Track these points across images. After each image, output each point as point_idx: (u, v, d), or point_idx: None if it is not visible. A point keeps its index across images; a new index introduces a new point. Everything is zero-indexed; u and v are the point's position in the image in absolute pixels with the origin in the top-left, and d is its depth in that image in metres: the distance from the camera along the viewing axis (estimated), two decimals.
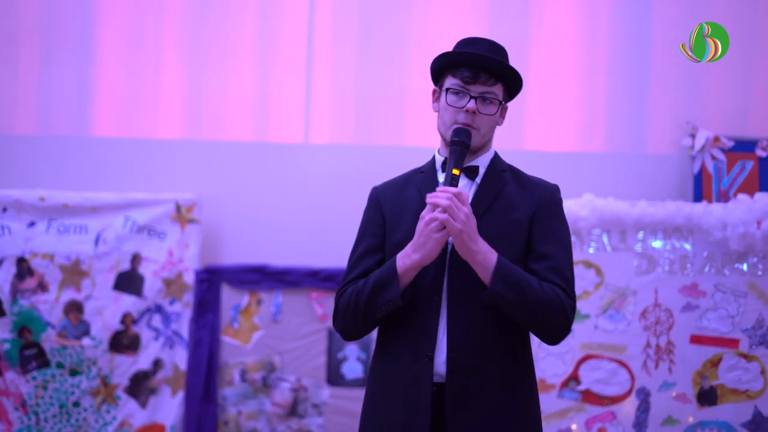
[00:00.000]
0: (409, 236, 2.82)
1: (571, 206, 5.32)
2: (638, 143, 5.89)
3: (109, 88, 5.95)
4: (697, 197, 5.67)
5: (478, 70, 2.87)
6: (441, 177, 2.98)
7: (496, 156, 3.02)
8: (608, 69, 5.95)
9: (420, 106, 5.82)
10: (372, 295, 2.81)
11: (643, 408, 5.36)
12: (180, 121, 5.98)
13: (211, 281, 5.58)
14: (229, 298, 5.62)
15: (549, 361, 5.38)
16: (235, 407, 5.56)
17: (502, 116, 2.99)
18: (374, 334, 3.00)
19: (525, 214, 2.88)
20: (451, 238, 2.77)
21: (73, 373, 5.50)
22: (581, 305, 5.39)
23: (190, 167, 5.84)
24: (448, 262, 2.83)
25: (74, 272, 5.56)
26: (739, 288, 5.37)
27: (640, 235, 5.45)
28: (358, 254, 3.00)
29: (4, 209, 5.55)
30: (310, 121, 5.96)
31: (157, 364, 5.57)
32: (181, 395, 5.55)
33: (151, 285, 5.58)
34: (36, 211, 5.57)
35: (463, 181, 2.92)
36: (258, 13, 5.98)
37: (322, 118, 5.96)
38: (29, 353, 5.48)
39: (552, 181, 3.04)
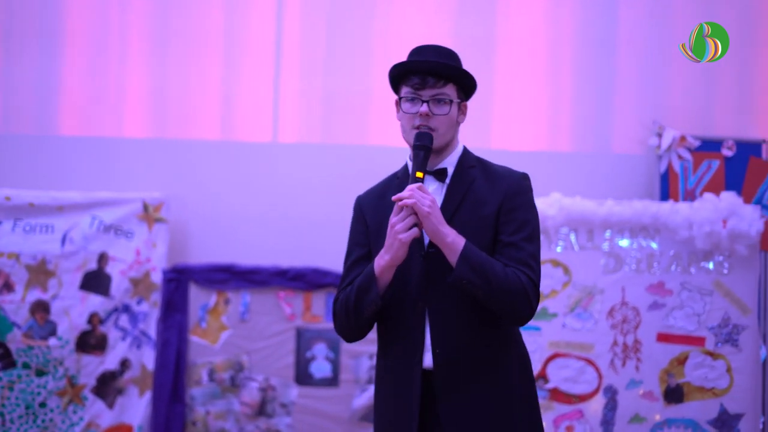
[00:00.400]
0: None
1: (538, 205, 5.25)
2: (605, 143, 5.93)
3: (75, 86, 5.92)
4: (664, 196, 5.70)
5: (425, 75, 3.03)
6: None
7: (464, 153, 3.16)
8: (575, 68, 5.97)
9: (385, 106, 5.82)
10: (357, 299, 3.04)
11: (611, 406, 5.39)
12: (148, 119, 5.95)
13: (178, 281, 5.56)
14: (197, 297, 5.60)
15: None
16: (203, 407, 5.54)
17: (463, 113, 3.14)
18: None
19: (492, 208, 3.04)
20: (427, 239, 3.00)
21: (40, 373, 5.46)
22: (549, 304, 5.41)
23: (157, 166, 5.81)
24: (429, 266, 3.03)
25: (40, 272, 5.52)
26: (705, 286, 5.41)
27: (608, 234, 5.48)
28: (350, 263, 3.19)
29: None
30: (279, 120, 5.95)
31: (125, 364, 5.54)
32: (148, 395, 5.52)
33: (119, 285, 5.55)
34: (1, 210, 5.53)
35: (433, 185, 3.09)
36: (225, 11, 5.96)
37: (290, 117, 5.95)
38: None
39: None
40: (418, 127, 3.03)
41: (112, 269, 5.56)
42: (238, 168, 5.83)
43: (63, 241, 5.55)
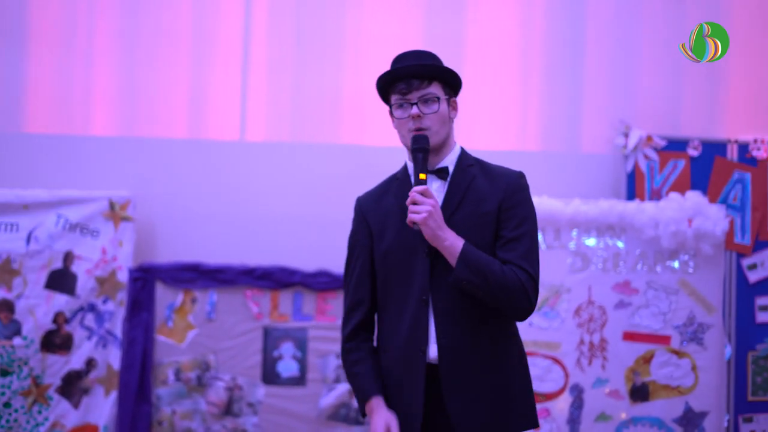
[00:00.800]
0: (393, 245, 3.19)
1: None
2: (572, 142, 5.95)
3: (41, 84, 5.87)
4: (630, 196, 5.74)
5: (410, 79, 3.16)
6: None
7: (462, 152, 3.28)
8: (543, 69, 6.00)
9: (354, 104, 5.83)
10: (352, 389, 3.34)
11: (577, 404, 5.42)
12: (114, 117, 5.91)
13: (145, 280, 5.53)
14: (164, 296, 5.57)
15: None
16: (170, 407, 5.52)
17: (454, 109, 3.27)
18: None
19: (492, 205, 3.16)
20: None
21: (4, 373, 5.42)
22: None
23: (123, 164, 5.78)
24: (432, 263, 3.14)
25: (5, 271, 5.47)
26: (671, 285, 5.45)
27: (574, 233, 5.50)
28: (354, 281, 3.30)
29: None
30: (246, 118, 5.93)
31: (90, 363, 5.50)
32: (114, 395, 5.49)
33: (84, 284, 5.51)
34: None
35: (436, 183, 3.22)
36: (194, 9, 5.93)
37: (258, 115, 5.93)
38: None
39: None
40: (412, 130, 3.15)
41: (78, 268, 5.52)
42: (206, 166, 5.81)
43: (28, 239, 5.51)
